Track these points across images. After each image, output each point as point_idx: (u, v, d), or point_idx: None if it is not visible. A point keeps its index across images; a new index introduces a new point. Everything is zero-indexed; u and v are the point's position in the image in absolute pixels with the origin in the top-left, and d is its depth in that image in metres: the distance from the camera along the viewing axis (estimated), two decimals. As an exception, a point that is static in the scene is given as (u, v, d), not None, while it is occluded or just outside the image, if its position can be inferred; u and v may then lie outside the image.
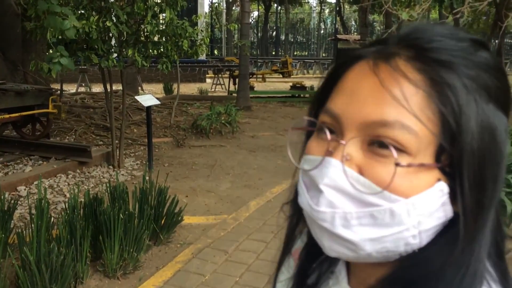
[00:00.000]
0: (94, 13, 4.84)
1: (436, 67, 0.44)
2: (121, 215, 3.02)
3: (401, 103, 0.44)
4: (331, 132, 0.48)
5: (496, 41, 10.54)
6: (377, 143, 0.45)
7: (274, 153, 6.99)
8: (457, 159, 0.44)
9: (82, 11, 4.80)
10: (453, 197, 0.45)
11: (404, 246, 0.46)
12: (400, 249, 0.46)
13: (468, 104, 0.43)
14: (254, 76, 18.20)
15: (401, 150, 0.44)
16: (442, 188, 0.45)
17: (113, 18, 4.85)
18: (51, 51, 4.06)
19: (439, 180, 0.45)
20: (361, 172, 0.45)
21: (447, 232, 0.46)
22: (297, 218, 0.60)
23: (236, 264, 3.33)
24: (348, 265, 0.57)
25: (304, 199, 0.49)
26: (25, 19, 5.33)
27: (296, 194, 0.55)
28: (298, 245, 0.64)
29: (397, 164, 0.43)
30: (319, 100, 0.53)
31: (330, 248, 0.48)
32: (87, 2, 4.84)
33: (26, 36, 7.32)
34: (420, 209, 0.44)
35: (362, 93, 0.46)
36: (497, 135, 0.45)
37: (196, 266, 3.27)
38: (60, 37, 4.14)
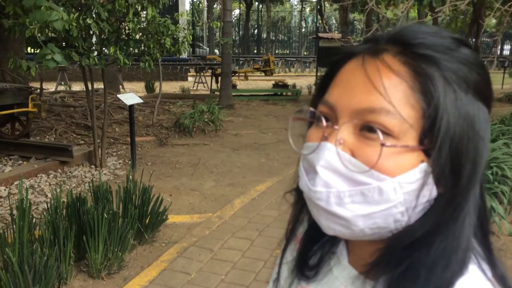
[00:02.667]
0: (74, 10, 4.77)
1: (419, 60, 0.50)
2: (105, 214, 2.99)
3: (381, 92, 0.49)
4: (327, 120, 0.54)
5: (473, 39, 10.75)
6: (366, 128, 0.50)
7: (258, 151, 7.00)
8: (436, 142, 0.48)
9: (62, 8, 4.72)
10: (436, 178, 0.50)
11: (394, 223, 0.50)
12: (391, 226, 0.51)
13: (446, 94, 0.48)
14: (237, 74, 18.16)
15: (387, 133, 0.49)
16: (425, 169, 0.49)
17: (94, 16, 4.78)
18: (34, 50, 3.98)
19: (422, 161, 0.49)
20: (353, 154, 0.50)
21: (432, 211, 0.51)
22: (301, 204, 0.64)
23: (221, 262, 3.33)
24: (348, 245, 0.62)
25: (303, 182, 0.54)
26: (3, 16, 5.22)
27: (299, 181, 0.60)
28: (300, 231, 0.68)
29: (382, 145, 0.48)
30: (318, 94, 0.59)
31: (328, 226, 0.53)
32: (67, -1, 4.76)
33: (3, 34, 7.17)
34: (406, 187, 0.49)
35: (352, 84, 0.52)
36: (476, 122, 0.49)
37: (181, 265, 3.26)
38: (39, 34, 4.06)
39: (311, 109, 0.58)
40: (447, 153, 0.48)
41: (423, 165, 0.49)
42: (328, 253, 0.63)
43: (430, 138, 0.49)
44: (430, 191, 0.50)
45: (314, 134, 0.55)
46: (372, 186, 0.49)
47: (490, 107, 0.53)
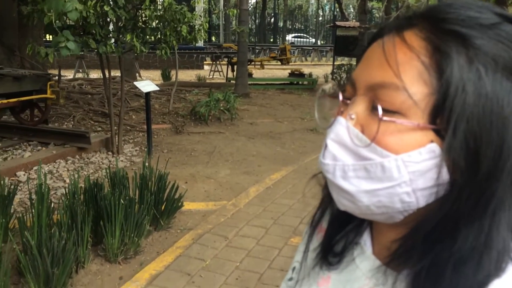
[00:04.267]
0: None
1: (443, 36, 0.47)
2: (121, 200, 3.02)
3: (392, 67, 0.48)
4: (345, 98, 0.54)
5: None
6: (375, 106, 0.49)
7: (273, 140, 6.99)
8: (449, 122, 0.45)
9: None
10: (449, 162, 0.46)
11: (401, 203, 0.49)
12: (397, 205, 0.49)
13: (464, 72, 0.45)
14: (253, 63, 18.09)
15: (393, 110, 0.48)
16: (434, 149, 0.46)
17: (111, 3, 4.79)
18: (50, 37, 4.02)
19: (432, 141, 0.47)
20: (362, 130, 0.50)
21: (448, 197, 0.47)
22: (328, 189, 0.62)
23: (236, 249, 3.35)
24: (372, 235, 0.60)
25: (320, 155, 0.54)
26: (21, 3, 5.26)
27: None
28: (325, 220, 0.67)
29: (380, 119, 0.47)
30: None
31: (338, 200, 0.53)
32: (85, -14, 4.78)
33: (22, 20, 7.24)
34: (411, 167, 0.47)
35: (371, 60, 0.52)
36: (504, 105, 0.45)
37: (196, 251, 3.29)
38: (57, 21, 4.09)
39: (336, 85, 0.58)
40: (462, 136, 0.45)
41: (432, 145, 0.46)
42: (352, 243, 0.62)
43: (443, 118, 0.46)
44: (439, 174, 0.47)
45: (335, 110, 0.56)
46: (374, 161, 0.48)
47: None
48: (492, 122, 0.45)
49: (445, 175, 0.47)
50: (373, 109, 0.50)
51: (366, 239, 0.60)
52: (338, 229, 0.63)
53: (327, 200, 0.65)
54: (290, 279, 0.71)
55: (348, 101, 0.52)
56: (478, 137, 0.45)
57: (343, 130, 0.51)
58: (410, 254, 0.49)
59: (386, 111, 0.48)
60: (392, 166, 0.47)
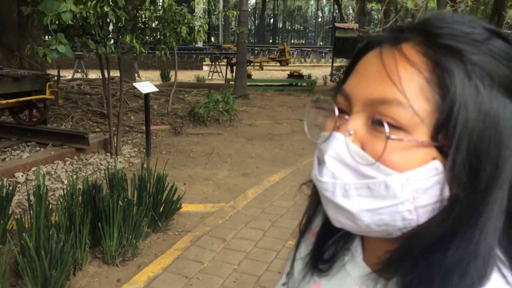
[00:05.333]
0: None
1: (440, 51, 0.47)
2: (120, 202, 3.02)
3: (395, 83, 0.47)
4: (342, 111, 0.53)
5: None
6: (376, 121, 0.48)
7: (272, 141, 6.99)
8: (452, 139, 0.46)
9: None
10: (451, 178, 0.47)
11: (402, 221, 0.48)
12: (398, 223, 0.49)
13: (465, 88, 0.45)
14: (252, 64, 18.10)
15: (397, 126, 0.47)
16: (436, 167, 0.47)
17: (111, 3, 4.79)
18: (48, 38, 4.02)
19: (434, 158, 0.47)
20: (363, 147, 0.49)
21: (447, 212, 0.48)
22: (318, 197, 0.62)
23: (234, 252, 3.35)
24: (363, 242, 0.60)
25: (314, 171, 0.53)
26: (21, 3, 5.26)
27: None
28: (316, 224, 0.67)
29: (388, 137, 0.46)
30: (341, 85, 0.57)
31: (334, 218, 0.52)
32: (85, -13, 4.77)
33: (22, 20, 7.23)
34: (414, 185, 0.47)
35: (368, 74, 0.50)
36: (499, 120, 0.46)
37: (194, 253, 3.29)
38: (57, 22, 4.08)
39: (328, 98, 0.56)
40: (465, 152, 0.45)
41: (435, 163, 0.47)
42: (343, 249, 0.62)
43: (445, 135, 0.46)
44: (441, 191, 0.47)
45: (329, 124, 0.54)
46: (378, 180, 0.47)
47: None
48: (490, 138, 0.45)
49: (446, 192, 0.47)
50: (373, 124, 0.49)
51: (357, 246, 0.61)
52: (328, 236, 0.63)
53: (314, 207, 0.66)
54: (284, 284, 0.72)
55: (347, 117, 0.51)
56: (479, 152, 0.45)
57: (342, 147, 0.50)
58: (402, 264, 0.50)
59: (389, 127, 0.47)
60: (396, 184, 0.47)
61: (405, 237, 0.50)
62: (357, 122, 0.50)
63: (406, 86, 0.47)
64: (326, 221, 0.62)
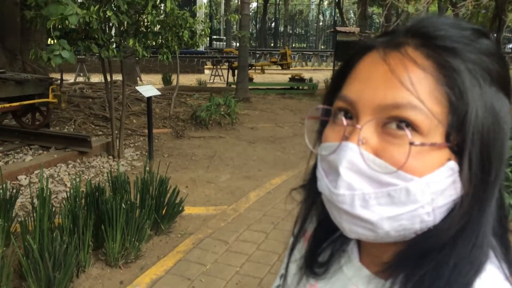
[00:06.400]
0: (94, 2, 4.82)
1: (443, 53, 0.48)
2: (123, 205, 3.04)
3: (408, 87, 0.47)
4: (346, 118, 0.52)
5: (495, 34, 10.52)
6: (391, 124, 0.48)
7: (273, 144, 7.00)
8: (464, 138, 0.47)
9: (82, 0, 4.77)
10: (462, 175, 0.48)
11: (420, 224, 0.48)
12: (416, 226, 0.49)
13: (473, 87, 0.47)
14: (253, 67, 18.13)
15: (414, 130, 0.47)
16: (452, 167, 0.48)
17: (114, 8, 4.83)
18: (51, 42, 4.05)
19: (449, 159, 0.48)
20: (376, 154, 0.48)
21: (455, 208, 0.49)
22: (310, 202, 0.63)
23: (236, 254, 3.36)
24: (360, 243, 0.60)
25: (324, 184, 0.52)
26: (25, 7, 5.29)
27: (310, 178, 0.60)
28: (309, 228, 0.67)
29: (411, 144, 0.46)
30: (333, 89, 0.56)
31: (350, 229, 0.51)
32: (88, -9, 4.82)
33: (25, 25, 7.27)
34: (433, 187, 0.47)
35: (375, 79, 0.50)
36: (500, 116, 0.48)
37: (197, 255, 3.30)
38: (59, 26, 4.12)
39: (325, 106, 0.55)
40: (478, 149, 0.47)
41: (451, 163, 0.47)
42: (339, 251, 0.61)
43: (456, 134, 0.47)
44: (457, 189, 0.48)
45: (332, 134, 0.53)
46: (399, 187, 0.47)
47: (510, 98, 0.51)
48: (495, 132, 0.48)
49: (459, 190, 0.49)
50: (385, 129, 0.48)
51: (353, 247, 0.60)
52: (322, 239, 0.63)
53: (307, 211, 0.65)
54: (278, 286, 0.71)
55: (358, 126, 0.49)
56: (489, 148, 0.47)
57: (356, 156, 0.48)
58: (409, 265, 0.50)
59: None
60: (417, 189, 0.47)
61: (416, 237, 0.50)
62: (367, 130, 0.49)
63: (418, 89, 0.47)
64: (320, 225, 0.63)
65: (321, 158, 0.53)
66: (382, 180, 0.47)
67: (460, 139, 0.47)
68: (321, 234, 0.63)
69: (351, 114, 0.51)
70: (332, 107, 0.54)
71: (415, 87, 0.47)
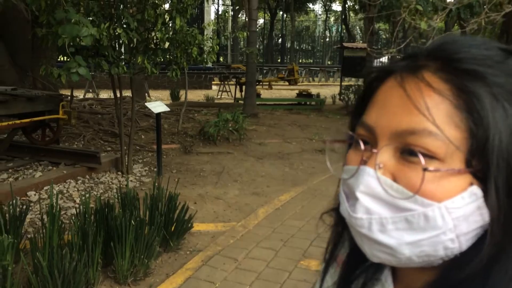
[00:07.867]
0: (104, 20, 4.88)
1: (463, 76, 0.46)
2: (132, 221, 3.03)
3: (424, 112, 0.46)
4: (365, 143, 0.52)
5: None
6: (407, 151, 0.47)
7: (282, 160, 6.99)
8: (488, 164, 0.45)
9: (93, 18, 4.84)
10: (488, 201, 0.46)
11: (444, 250, 0.47)
12: (440, 253, 0.47)
13: (495, 111, 0.45)
14: (261, 83, 18.23)
15: (430, 156, 0.46)
16: (475, 192, 0.46)
17: (123, 25, 4.89)
18: (63, 59, 4.10)
19: (471, 184, 0.46)
20: (394, 179, 0.48)
21: (489, 237, 0.47)
22: (342, 226, 0.62)
23: (246, 272, 3.32)
24: (394, 271, 0.58)
25: (344, 207, 0.52)
26: (36, 25, 5.37)
27: (339, 203, 0.57)
28: (341, 253, 0.65)
29: (424, 169, 0.45)
30: (357, 114, 0.56)
31: (372, 253, 0.50)
32: (98, 9, 4.89)
33: (36, 42, 7.38)
34: (455, 213, 0.46)
35: (391, 105, 0.50)
36: None
37: (206, 273, 3.27)
38: (71, 43, 4.17)
39: (350, 133, 0.56)
40: (504, 174, 0.45)
41: (473, 188, 0.46)
42: (372, 279, 0.60)
43: (479, 160, 0.46)
44: (483, 216, 0.46)
45: (352, 158, 0.53)
46: (416, 212, 0.46)
47: None
48: None
49: (486, 216, 0.47)
50: (403, 155, 0.48)
51: (387, 276, 0.59)
52: (355, 265, 0.62)
53: (339, 236, 0.64)
54: None
55: (375, 150, 0.49)
56: None
57: (373, 181, 0.48)
58: None
59: (424, 158, 0.46)
60: (436, 214, 0.46)
61: (445, 265, 0.49)
62: (385, 155, 0.49)
63: (434, 114, 0.46)
64: (352, 250, 0.61)
65: (343, 182, 0.54)
66: (399, 205, 0.47)
67: (484, 164, 0.46)
68: (354, 261, 0.61)
69: (370, 140, 0.51)
70: (355, 132, 0.54)
71: (430, 112, 0.46)
